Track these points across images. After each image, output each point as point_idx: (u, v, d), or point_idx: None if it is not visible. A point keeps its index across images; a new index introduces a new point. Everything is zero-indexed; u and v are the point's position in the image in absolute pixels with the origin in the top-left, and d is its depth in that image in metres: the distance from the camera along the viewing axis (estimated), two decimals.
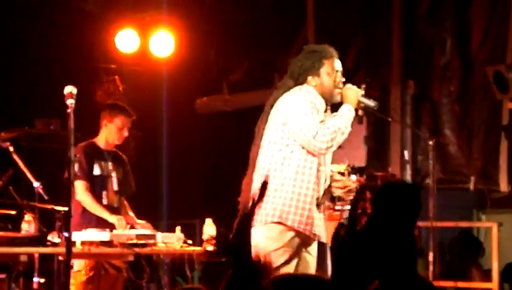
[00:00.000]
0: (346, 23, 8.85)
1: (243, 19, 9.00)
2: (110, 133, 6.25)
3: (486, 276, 7.96)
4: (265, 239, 4.64)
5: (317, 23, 8.98)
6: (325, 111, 4.80)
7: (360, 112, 5.30)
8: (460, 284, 7.95)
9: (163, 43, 8.72)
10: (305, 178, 4.68)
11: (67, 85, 4.72)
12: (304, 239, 4.71)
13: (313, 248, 4.81)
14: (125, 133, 6.27)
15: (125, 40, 8.55)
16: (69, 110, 4.61)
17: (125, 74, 8.82)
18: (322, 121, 4.68)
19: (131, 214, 6.34)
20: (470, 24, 8.49)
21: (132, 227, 6.02)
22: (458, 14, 8.52)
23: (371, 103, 4.83)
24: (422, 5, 8.65)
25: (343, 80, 4.84)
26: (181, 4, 8.82)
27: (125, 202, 6.39)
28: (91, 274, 5.87)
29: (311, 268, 4.81)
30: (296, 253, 4.70)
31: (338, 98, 4.80)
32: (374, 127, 8.54)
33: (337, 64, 4.85)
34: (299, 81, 4.80)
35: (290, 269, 4.64)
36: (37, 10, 8.18)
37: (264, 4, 9.08)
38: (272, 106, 4.80)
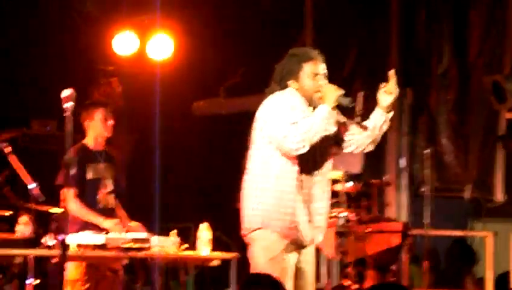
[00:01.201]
0: (344, 30, 8.86)
1: (241, 23, 9.00)
2: (95, 129, 6.20)
3: (480, 285, 7.97)
4: (261, 249, 4.66)
5: (315, 29, 8.99)
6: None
7: (358, 119, 5.30)
8: None
9: (161, 46, 8.71)
10: (285, 182, 4.65)
11: (64, 86, 4.71)
12: (294, 244, 4.70)
13: (308, 252, 4.80)
14: (111, 122, 6.22)
15: (123, 43, 8.54)
16: (67, 113, 4.60)
17: (123, 76, 8.81)
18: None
19: (123, 212, 6.31)
20: (468, 33, 8.51)
21: (126, 229, 5.98)
22: (456, 23, 8.54)
23: (346, 101, 4.68)
24: (420, 14, 8.66)
25: (325, 82, 4.76)
26: (179, 8, 8.81)
27: (117, 201, 6.36)
28: (88, 286, 5.84)
29: (308, 271, 4.80)
30: (290, 258, 4.69)
31: (320, 103, 4.70)
32: None
33: (319, 68, 4.79)
34: (282, 85, 4.79)
35: (288, 274, 4.65)
36: (36, 12, 8.17)
37: (263, 9, 9.08)
38: None
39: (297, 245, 4.75)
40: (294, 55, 4.85)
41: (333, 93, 4.67)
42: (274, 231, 4.65)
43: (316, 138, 4.61)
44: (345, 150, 4.94)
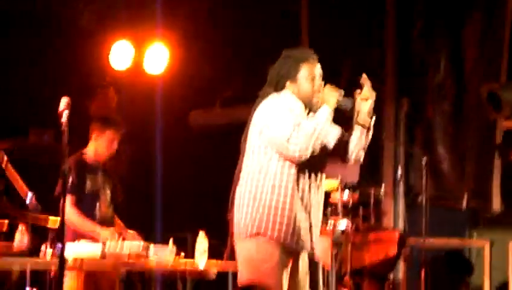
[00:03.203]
0: (340, 41, 8.87)
1: (237, 34, 9.01)
2: (99, 145, 6.25)
3: None
4: (257, 254, 4.53)
5: (311, 40, 9.00)
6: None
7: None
8: None
9: (158, 57, 8.73)
10: (282, 185, 4.52)
11: (61, 97, 4.71)
12: (290, 250, 4.58)
13: (303, 259, 4.68)
14: (115, 146, 6.27)
15: (120, 54, 8.56)
16: (63, 121, 4.60)
17: (119, 87, 8.82)
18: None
19: (119, 223, 6.32)
20: (464, 43, 8.54)
21: (123, 237, 5.98)
22: (452, 33, 8.56)
23: (348, 103, 4.60)
24: (417, 24, 8.69)
25: (322, 83, 4.66)
26: (175, 19, 8.84)
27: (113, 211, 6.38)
28: None
29: (302, 281, 4.70)
30: (286, 266, 4.57)
31: (319, 104, 4.59)
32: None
33: (316, 68, 4.69)
34: (278, 88, 4.65)
35: (283, 282, 4.55)
36: (33, 24, 8.18)
37: (259, 21, 9.10)
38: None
39: (296, 252, 4.63)
40: (290, 56, 4.70)
41: (333, 94, 4.58)
42: (271, 238, 4.51)
43: (319, 141, 4.47)
44: (351, 157, 4.79)
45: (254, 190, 4.57)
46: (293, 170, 4.55)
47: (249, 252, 4.56)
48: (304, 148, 4.44)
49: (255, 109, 4.68)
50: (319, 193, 4.70)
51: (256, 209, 4.55)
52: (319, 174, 4.69)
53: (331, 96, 4.58)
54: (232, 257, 4.85)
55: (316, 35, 8.96)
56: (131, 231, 6.21)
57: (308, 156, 4.49)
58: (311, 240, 4.65)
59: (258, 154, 4.58)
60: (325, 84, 4.70)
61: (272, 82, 4.70)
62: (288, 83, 4.67)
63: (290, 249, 4.59)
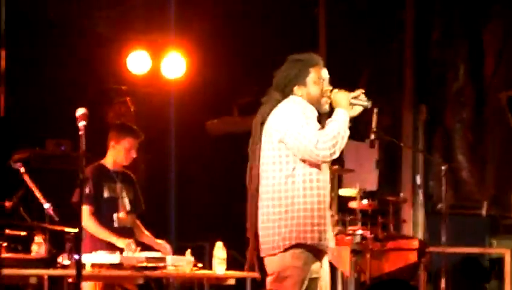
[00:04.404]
0: (358, 46, 8.84)
1: (253, 41, 9.00)
2: (117, 154, 6.23)
3: None
4: (292, 269, 4.50)
5: (328, 46, 8.98)
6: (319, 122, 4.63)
7: (372, 136, 5.25)
8: None
9: (175, 65, 8.72)
10: (314, 192, 4.52)
11: (78, 106, 4.71)
12: (321, 255, 4.59)
13: (326, 260, 4.67)
14: (133, 154, 6.25)
15: (137, 62, 8.56)
16: (81, 132, 4.60)
17: (136, 95, 8.82)
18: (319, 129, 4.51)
19: (147, 233, 6.29)
20: (484, 50, 8.48)
21: (150, 248, 5.95)
22: (471, 40, 8.52)
23: (364, 102, 4.61)
24: (435, 30, 8.64)
25: (330, 88, 4.65)
26: (192, 26, 8.83)
27: (138, 222, 6.36)
28: None
29: (326, 281, 4.68)
30: (316, 272, 4.58)
31: (326, 108, 4.63)
32: (386, 151, 8.51)
33: (324, 73, 4.68)
34: (286, 92, 4.61)
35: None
36: (50, 32, 8.19)
37: (275, 27, 9.09)
38: (261, 124, 4.63)
39: (324, 252, 4.62)
40: (299, 60, 4.67)
41: (346, 96, 4.58)
42: (308, 247, 4.50)
43: (343, 143, 4.49)
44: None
45: (284, 201, 4.54)
46: (321, 175, 4.56)
47: (294, 268, 4.52)
48: (332, 152, 4.47)
49: (263, 116, 4.65)
50: (329, 191, 4.70)
51: (291, 219, 4.52)
52: (329, 172, 4.70)
53: (344, 98, 4.59)
54: (251, 269, 4.82)
55: (333, 42, 8.94)
56: (160, 241, 6.19)
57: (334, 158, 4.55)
58: (332, 239, 4.67)
59: (280, 164, 4.56)
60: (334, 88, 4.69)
61: (278, 86, 4.66)
62: (296, 88, 4.64)
63: (322, 250, 4.59)
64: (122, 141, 6.22)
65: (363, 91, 4.65)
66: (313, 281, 4.60)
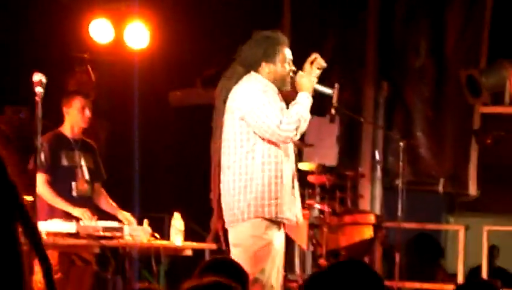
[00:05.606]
0: (322, 22, 8.84)
1: (218, 13, 8.96)
2: (73, 118, 6.16)
3: (452, 279, 8.01)
4: (251, 237, 4.63)
5: (292, 21, 8.97)
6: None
7: (333, 111, 5.29)
8: (426, 285, 7.99)
9: (138, 34, 8.64)
10: (271, 167, 4.62)
11: (37, 73, 4.67)
12: (278, 227, 4.71)
13: (281, 232, 4.80)
14: (87, 114, 6.16)
15: (99, 30, 8.47)
16: (37, 98, 4.57)
17: (99, 64, 8.74)
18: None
19: (112, 203, 6.26)
20: (445, 28, 8.53)
21: (97, 218, 5.91)
22: (433, 18, 8.55)
23: (326, 90, 4.79)
24: (398, 7, 8.66)
25: (294, 68, 4.76)
26: None
27: (103, 191, 6.32)
28: (59, 275, 5.77)
29: (280, 254, 4.79)
30: (273, 243, 4.69)
31: (289, 87, 4.75)
32: (346, 126, 8.55)
33: (289, 52, 4.77)
34: (253, 68, 4.68)
35: (272, 261, 4.65)
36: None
37: (241, 1, 9.05)
38: (224, 100, 4.70)
39: (280, 226, 4.74)
40: (268, 37, 4.73)
41: (309, 81, 4.68)
42: (266, 219, 4.63)
43: (305, 125, 4.63)
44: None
45: (244, 176, 4.64)
46: (280, 152, 4.67)
47: (245, 235, 4.64)
48: (295, 133, 4.59)
49: (227, 92, 4.69)
50: (293, 166, 4.82)
51: (249, 192, 4.63)
52: (292, 148, 4.81)
53: (308, 83, 4.69)
54: (216, 240, 4.91)
55: (297, 16, 8.93)
56: (125, 213, 6.17)
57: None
58: (298, 212, 4.80)
59: (240, 141, 4.65)
60: (298, 68, 4.77)
61: (244, 62, 4.71)
62: (264, 64, 4.69)
63: (280, 222, 4.71)
64: (73, 102, 6.15)
65: (318, 56, 4.73)
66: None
